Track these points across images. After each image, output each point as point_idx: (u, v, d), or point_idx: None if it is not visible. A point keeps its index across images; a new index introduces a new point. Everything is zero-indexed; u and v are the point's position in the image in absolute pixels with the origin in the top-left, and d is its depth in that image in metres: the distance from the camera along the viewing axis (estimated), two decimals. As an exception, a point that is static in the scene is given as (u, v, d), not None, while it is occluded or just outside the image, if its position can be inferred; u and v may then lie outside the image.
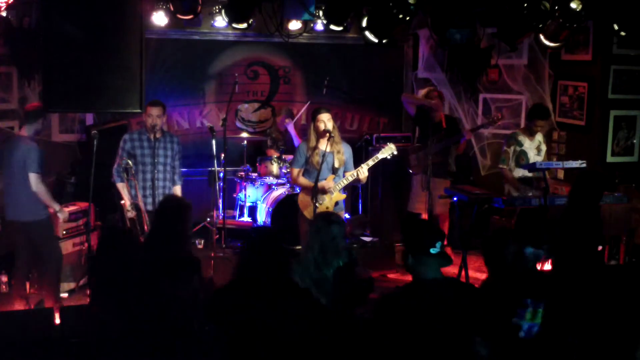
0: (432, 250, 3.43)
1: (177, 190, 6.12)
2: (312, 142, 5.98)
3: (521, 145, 6.76)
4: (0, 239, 6.34)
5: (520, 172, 6.74)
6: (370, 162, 6.08)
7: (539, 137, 6.87)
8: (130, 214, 5.85)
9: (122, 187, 5.91)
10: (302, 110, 8.34)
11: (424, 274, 3.47)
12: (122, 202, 5.97)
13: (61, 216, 5.91)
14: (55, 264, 5.95)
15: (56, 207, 5.84)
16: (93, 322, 3.34)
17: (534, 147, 6.80)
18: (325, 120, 5.91)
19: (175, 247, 4.01)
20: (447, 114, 7.80)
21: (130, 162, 5.81)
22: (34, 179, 5.59)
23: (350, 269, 4.23)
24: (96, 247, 3.86)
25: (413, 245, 3.51)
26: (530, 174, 6.66)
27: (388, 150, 6.12)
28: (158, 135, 5.92)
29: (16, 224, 5.77)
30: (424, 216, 7.49)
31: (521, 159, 6.76)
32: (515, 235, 3.89)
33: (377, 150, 6.28)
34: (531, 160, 6.67)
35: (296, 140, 7.83)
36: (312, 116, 6.08)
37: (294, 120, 8.14)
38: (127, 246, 3.70)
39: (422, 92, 7.58)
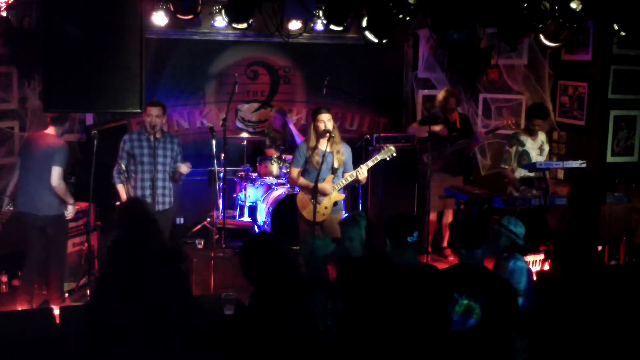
0: (409, 239, 3.73)
1: (183, 167, 6.07)
2: (312, 142, 5.98)
3: (523, 145, 6.77)
4: (0, 238, 6.35)
5: (521, 172, 6.74)
6: (370, 163, 6.08)
7: (542, 137, 6.86)
8: None
9: (120, 188, 5.93)
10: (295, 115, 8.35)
11: (401, 260, 3.79)
12: (117, 203, 5.99)
13: (70, 210, 5.95)
14: (63, 261, 6.01)
15: (70, 200, 5.91)
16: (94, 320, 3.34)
17: (536, 147, 6.80)
18: (326, 121, 5.92)
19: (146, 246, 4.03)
20: (462, 113, 7.82)
21: (123, 166, 5.83)
22: (57, 172, 5.70)
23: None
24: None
25: (393, 232, 3.82)
26: (531, 174, 6.66)
27: (388, 152, 6.13)
28: (158, 135, 5.92)
29: (32, 219, 5.81)
30: (434, 215, 7.50)
31: (523, 158, 6.76)
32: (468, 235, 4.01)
33: (377, 150, 6.28)
34: (533, 160, 6.67)
35: (297, 138, 7.83)
36: (312, 116, 6.08)
37: (294, 119, 8.15)
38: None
39: (440, 95, 7.59)
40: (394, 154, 6.16)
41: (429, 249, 7.57)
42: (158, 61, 7.91)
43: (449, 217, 7.53)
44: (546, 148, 6.87)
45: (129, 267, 3.33)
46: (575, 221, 4.86)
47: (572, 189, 5.05)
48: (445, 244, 7.66)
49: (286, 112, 8.22)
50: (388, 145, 6.20)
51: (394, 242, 3.81)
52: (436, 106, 7.50)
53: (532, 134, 6.79)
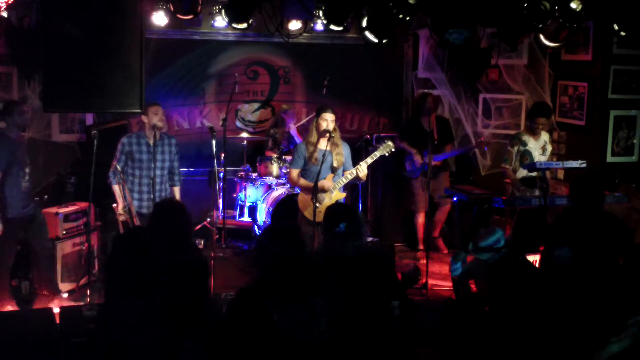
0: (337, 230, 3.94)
1: (176, 191, 6.14)
2: (314, 138, 5.99)
3: (525, 145, 6.77)
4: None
5: (523, 172, 6.74)
6: (369, 160, 6.09)
7: (545, 136, 6.85)
8: (123, 217, 5.87)
9: (116, 189, 5.93)
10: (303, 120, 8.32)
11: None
12: (114, 205, 5.99)
13: None
14: None
15: None
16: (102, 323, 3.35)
17: (539, 147, 6.79)
18: (329, 120, 5.95)
19: (174, 251, 3.95)
20: (440, 115, 7.80)
21: (119, 167, 5.85)
22: None
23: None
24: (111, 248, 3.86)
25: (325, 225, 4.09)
26: (533, 174, 6.65)
27: (386, 148, 6.13)
28: (157, 136, 5.94)
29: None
30: (423, 216, 7.48)
31: (525, 158, 6.75)
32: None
33: (377, 149, 6.28)
34: (535, 160, 6.67)
35: (297, 139, 7.83)
36: (317, 113, 6.09)
37: (296, 123, 8.16)
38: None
39: (416, 96, 7.66)
40: (393, 149, 6.17)
41: (421, 247, 7.58)
42: (158, 61, 7.90)
43: (442, 215, 7.54)
44: (549, 148, 6.86)
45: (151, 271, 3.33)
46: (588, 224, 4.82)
47: (572, 189, 5.05)
48: (436, 234, 7.64)
49: (294, 115, 8.24)
50: (386, 140, 6.20)
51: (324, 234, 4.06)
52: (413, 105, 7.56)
53: (534, 133, 6.78)
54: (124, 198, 5.86)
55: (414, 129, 7.34)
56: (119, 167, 5.86)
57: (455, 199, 6.75)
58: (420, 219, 7.52)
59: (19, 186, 5.72)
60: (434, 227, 7.62)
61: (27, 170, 5.82)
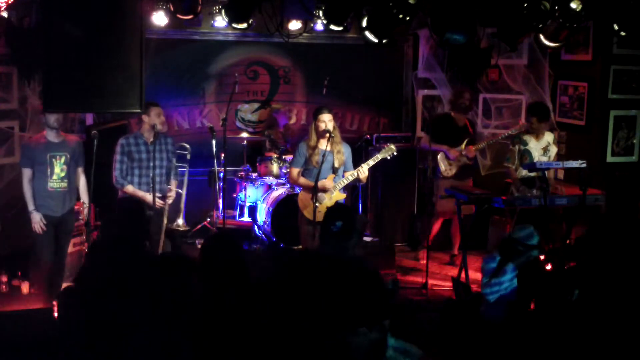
0: (333, 229, 4.04)
1: (173, 185, 6.20)
2: (313, 141, 5.99)
3: (525, 144, 6.76)
4: (0, 238, 6.35)
5: (523, 172, 6.73)
6: (371, 162, 6.09)
7: (549, 137, 6.83)
8: (160, 203, 6.00)
9: (130, 189, 5.95)
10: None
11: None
12: (145, 200, 5.97)
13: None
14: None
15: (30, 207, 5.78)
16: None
17: (539, 147, 6.77)
18: (327, 121, 5.94)
19: (127, 250, 4.00)
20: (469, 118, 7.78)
21: (124, 168, 5.92)
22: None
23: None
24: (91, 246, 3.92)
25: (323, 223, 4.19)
26: (532, 174, 6.64)
27: (388, 151, 6.13)
28: (155, 136, 5.96)
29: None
30: (441, 222, 7.43)
31: (524, 158, 6.74)
32: None
33: (378, 150, 6.28)
34: (535, 160, 6.66)
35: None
36: (314, 115, 6.09)
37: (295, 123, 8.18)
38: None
39: (451, 94, 7.61)
40: (395, 153, 6.17)
41: (428, 244, 7.55)
42: (158, 61, 7.91)
43: (455, 229, 7.42)
44: (552, 149, 6.81)
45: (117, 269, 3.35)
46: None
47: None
48: (455, 251, 7.57)
49: (287, 114, 8.25)
50: (389, 144, 6.20)
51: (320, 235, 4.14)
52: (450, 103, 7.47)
53: (535, 133, 6.76)
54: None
55: (446, 125, 7.21)
56: (124, 168, 5.91)
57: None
58: (438, 224, 7.44)
59: (44, 186, 5.75)
60: (452, 244, 7.55)
61: (57, 170, 5.78)
